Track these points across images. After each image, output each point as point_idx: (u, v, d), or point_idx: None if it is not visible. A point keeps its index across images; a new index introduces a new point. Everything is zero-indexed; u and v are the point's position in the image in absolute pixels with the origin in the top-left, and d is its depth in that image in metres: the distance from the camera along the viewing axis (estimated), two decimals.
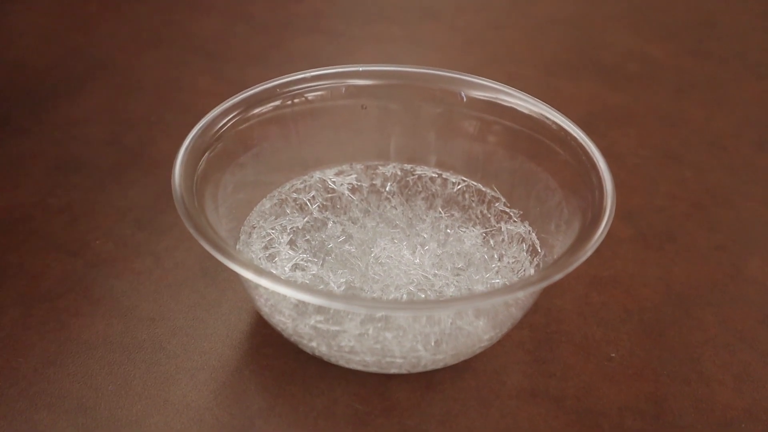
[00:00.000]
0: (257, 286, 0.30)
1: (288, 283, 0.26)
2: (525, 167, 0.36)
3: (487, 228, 0.37)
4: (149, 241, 0.39)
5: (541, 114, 0.35)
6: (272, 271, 0.34)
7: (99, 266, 0.37)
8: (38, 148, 0.45)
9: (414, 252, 0.36)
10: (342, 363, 0.32)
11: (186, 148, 0.32)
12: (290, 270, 0.34)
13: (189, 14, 0.61)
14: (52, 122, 0.48)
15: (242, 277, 0.29)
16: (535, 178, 0.35)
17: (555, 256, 0.32)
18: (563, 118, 0.34)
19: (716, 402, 0.33)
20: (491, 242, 0.37)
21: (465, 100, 0.37)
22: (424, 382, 0.33)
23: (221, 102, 0.36)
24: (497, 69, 0.57)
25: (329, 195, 0.38)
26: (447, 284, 0.35)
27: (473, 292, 0.33)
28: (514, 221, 0.37)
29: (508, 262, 0.36)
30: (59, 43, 0.56)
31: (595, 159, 0.32)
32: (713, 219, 0.43)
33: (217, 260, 0.28)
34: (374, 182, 0.39)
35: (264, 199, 0.37)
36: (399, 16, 0.63)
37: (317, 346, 0.31)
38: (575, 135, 0.34)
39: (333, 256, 0.36)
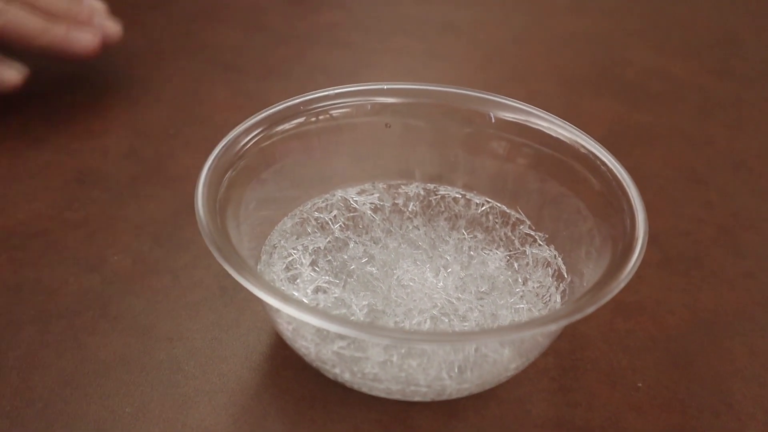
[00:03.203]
0: (279, 310, 0.30)
1: (315, 311, 0.26)
2: (553, 190, 0.35)
3: (511, 251, 0.37)
4: (167, 257, 0.39)
5: (571, 138, 0.34)
6: (294, 293, 0.33)
7: (116, 283, 0.37)
8: (56, 160, 0.45)
9: (437, 274, 0.35)
10: (365, 390, 0.31)
11: (208, 168, 0.32)
12: (312, 292, 0.33)
13: (207, 25, 0.61)
14: (70, 133, 0.47)
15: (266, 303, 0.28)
16: (564, 202, 0.35)
17: (585, 284, 0.31)
18: (594, 143, 0.34)
19: None
20: (515, 265, 0.36)
21: (493, 120, 0.36)
22: (447, 410, 0.32)
23: (240, 115, 0.35)
24: (517, 85, 0.56)
25: (351, 214, 0.38)
26: (471, 309, 0.34)
27: (504, 325, 0.33)
28: (539, 245, 0.36)
29: (533, 287, 0.35)
30: None
31: (626, 186, 0.32)
32: (740, 244, 0.42)
33: (235, 279, 0.28)
34: (397, 202, 0.39)
35: (285, 217, 0.37)
36: (418, 30, 0.63)
37: (340, 373, 0.30)
38: (605, 160, 0.33)
39: (355, 277, 0.35)
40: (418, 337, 0.26)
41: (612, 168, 0.33)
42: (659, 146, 0.50)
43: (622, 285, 0.27)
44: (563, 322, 0.26)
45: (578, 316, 0.26)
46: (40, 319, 0.35)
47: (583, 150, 0.34)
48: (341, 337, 0.30)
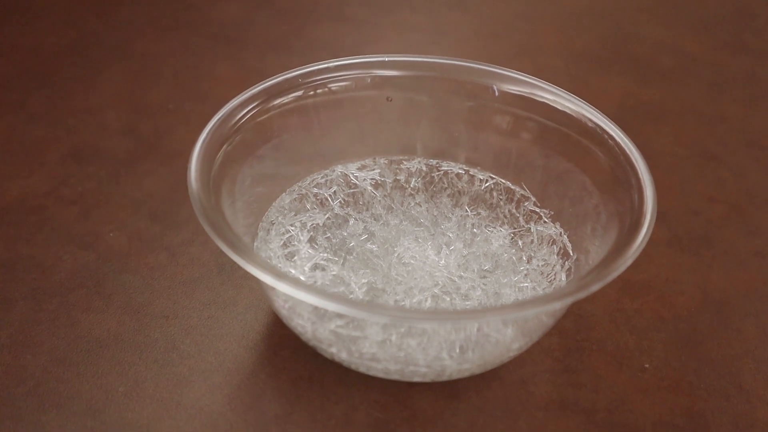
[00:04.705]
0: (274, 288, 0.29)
1: (309, 288, 0.25)
2: (559, 166, 0.34)
3: (515, 228, 0.36)
4: (164, 234, 0.38)
5: (578, 111, 0.33)
6: (291, 271, 0.32)
7: (112, 260, 0.36)
8: (52, 135, 0.44)
9: (439, 252, 0.34)
10: (363, 370, 0.30)
11: (203, 142, 0.31)
12: (310, 270, 0.33)
13: None
14: (67, 108, 0.46)
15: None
16: (569, 178, 0.34)
17: (590, 261, 0.30)
18: (601, 116, 0.33)
19: (757, 419, 0.31)
20: (520, 243, 0.35)
21: (497, 94, 0.35)
22: (448, 391, 0.31)
23: (241, 90, 0.34)
24: (525, 61, 0.55)
25: (351, 190, 0.37)
26: (473, 287, 0.33)
27: (506, 303, 0.32)
28: (545, 222, 0.35)
29: (538, 265, 0.34)
30: (76, 27, 0.54)
31: (634, 160, 0.31)
32: (753, 223, 0.41)
33: (228, 255, 0.27)
34: (398, 178, 0.38)
35: (283, 193, 0.36)
36: (424, 5, 0.61)
37: (337, 352, 0.29)
38: (613, 134, 0.32)
39: (354, 255, 0.34)
40: (418, 316, 0.25)
41: (620, 142, 0.31)
42: (670, 123, 0.49)
43: (629, 262, 0.26)
44: (568, 300, 0.25)
45: (583, 294, 0.25)
46: (33, 296, 0.34)
47: (590, 124, 0.33)
48: (339, 315, 0.29)
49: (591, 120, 0.33)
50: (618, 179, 0.31)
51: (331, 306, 0.24)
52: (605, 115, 0.33)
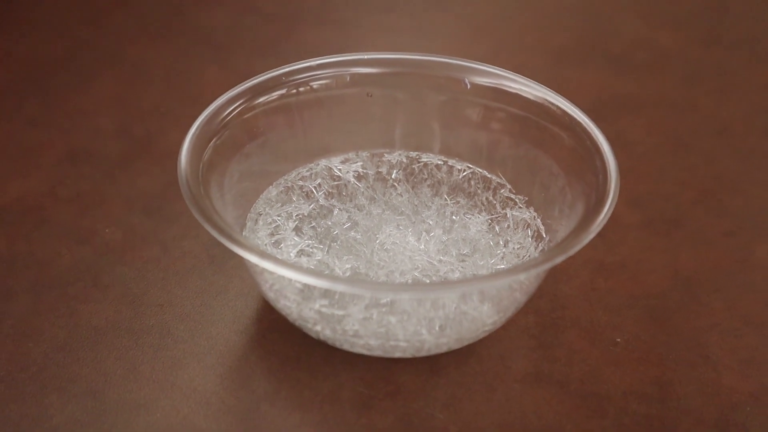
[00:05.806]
0: (262, 271, 0.31)
1: (290, 266, 0.27)
2: (529, 153, 0.36)
3: (492, 214, 0.37)
4: (157, 229, 0.39)
5: (545, 99, 0.35)
6: (278, 257, 0.34)
7: (108, 254, 0.38)
8: (48, 139, 0.46)
9: (419, 238, 0.36)
10: (346, 347, 0.32)
11: (192, 135, 0.32)
12: (296, 256, 0.34)
13: (198, 6, 0.61)
14: (62, 113, 0.48)
15: (247, 261, 0.29)
16: (539, 164, 0.35)
17: (558, 241, 0.32)
18: (567, 103, 0.34)
19: (722, 386, 0.33)
20: (497, 228, 0.37)
21: (469, 87, 0.37)
22: (429, 367, 0.33)
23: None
24: (506, 59, 0.56)
25: (335, 182, 0.39)
26: (452, 270, 0.35)
27: (475, 276, 0.34)
28: (520, 207, 0.37)
29: (514, 248, 0.36)
30: (70, 36, 0.56)
31: (599, 143, 0.32)
32: (722, 205, 0.42)
33: (223, 247, 0.28)
34: (380, 170, 0.39)
35: (270, 186, 0.37)
36: (408, 6, 0.63)
37: (321, 330, 0.31)
38: (579, 120, 0.34)
39: (338, 242, 0.36)
40: (388, 288, 0.26)
41: (585, 127, 0.33)
42: (644, 114, 0.51)
43: (592, 235, 0.28)
44: (533, 271, 0.27)
45: (547, 266, 0.27)
46: (33, 289, 0.36)
47: (557, 111, 0.35)
48: (323, 295, 0.30)
49: (558, 108, 0.35)
50: (584, 162, 0.33)
51: (310, 281, 0.26)
52: (572, 102, 0.35)
